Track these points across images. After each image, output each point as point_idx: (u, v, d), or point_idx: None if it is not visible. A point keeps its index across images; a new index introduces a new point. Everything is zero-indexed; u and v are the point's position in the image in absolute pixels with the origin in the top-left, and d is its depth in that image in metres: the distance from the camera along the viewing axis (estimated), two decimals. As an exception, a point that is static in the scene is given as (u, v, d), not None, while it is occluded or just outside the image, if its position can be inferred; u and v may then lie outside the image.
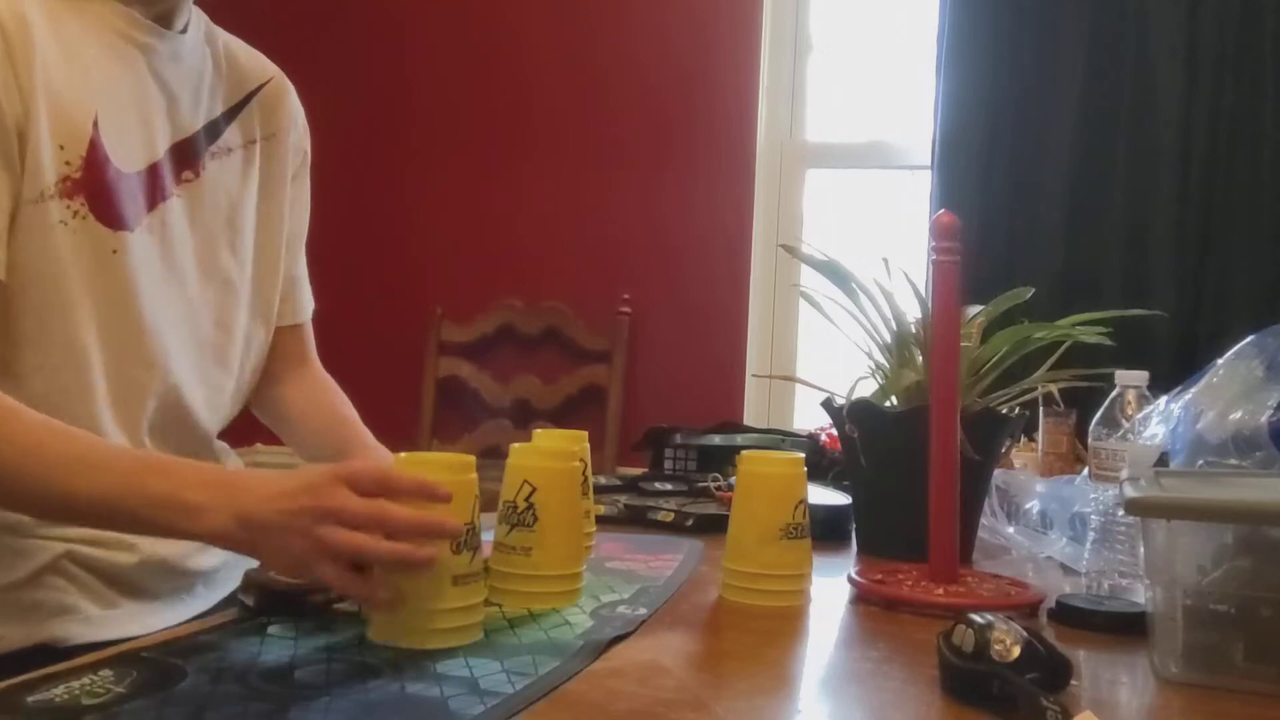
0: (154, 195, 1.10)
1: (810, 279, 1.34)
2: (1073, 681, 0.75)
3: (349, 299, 3.12)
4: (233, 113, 1.21)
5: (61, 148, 1.01)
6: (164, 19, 1.11)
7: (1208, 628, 0.79)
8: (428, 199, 3.05)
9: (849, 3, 2.96)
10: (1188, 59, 2.44)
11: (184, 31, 1.13)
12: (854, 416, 1.24)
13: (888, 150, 2.86)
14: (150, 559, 1.08)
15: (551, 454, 0.97)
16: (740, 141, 2.85)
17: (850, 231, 2.89)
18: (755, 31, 2.85)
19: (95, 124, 1.03)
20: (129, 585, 1.07)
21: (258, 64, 1.25)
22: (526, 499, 0.92)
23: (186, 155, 1.15)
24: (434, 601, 0.79)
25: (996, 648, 0.71)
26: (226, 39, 1.22)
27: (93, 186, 1.03)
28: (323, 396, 1.34)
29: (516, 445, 0.96)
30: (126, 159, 1.07)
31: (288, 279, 1.29)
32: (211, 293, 1.17)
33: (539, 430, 1.15)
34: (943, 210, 1.06)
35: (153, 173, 1.10)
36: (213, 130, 1.18)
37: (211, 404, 1.18)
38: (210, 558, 1.15)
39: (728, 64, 2.86)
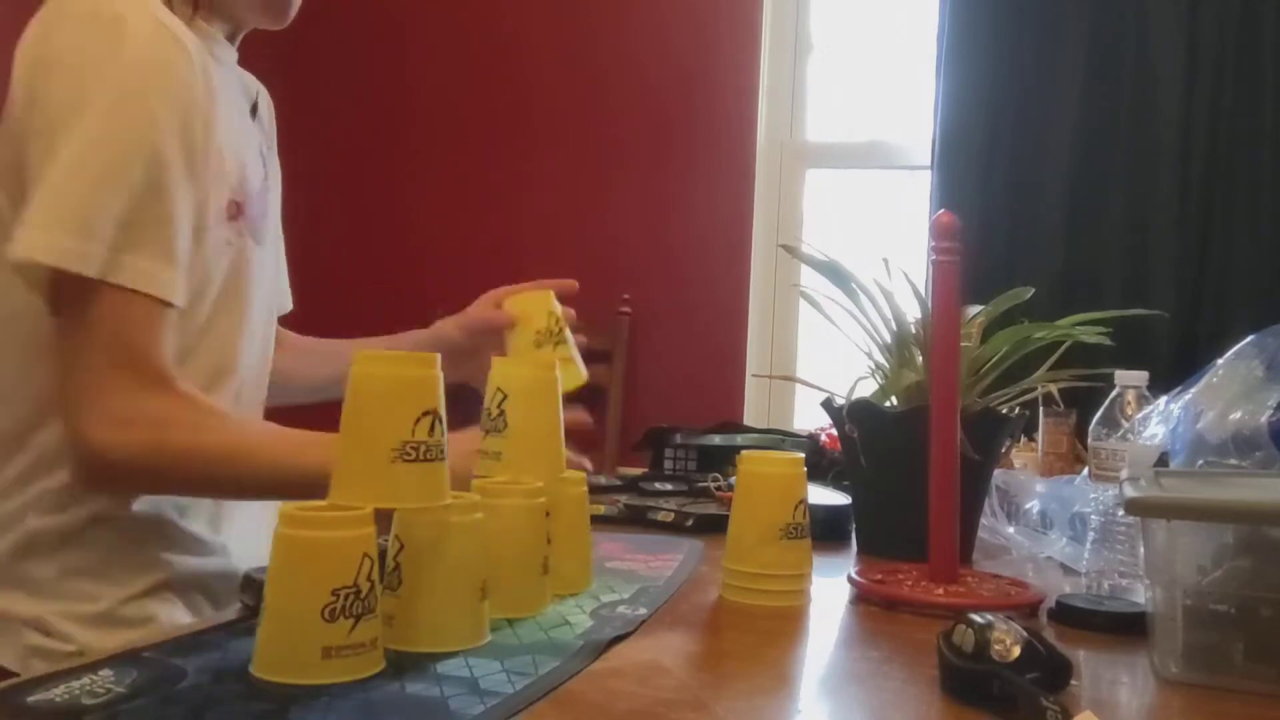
0: (264, 207, 1.19)
1: (810, 279, 1.33)
2: (1073, 681, 0.75)
3: (349, 299, 3.12)
4: (261, 120, 1.28)
5: (229, 171, 1.10)
6: (232, 36, 1.19)
7: (1208, 628, 0.79)
8: (428, 199, 3.05)
9: (849, 3, 2.96)
10: (1188, 59, 2.44)
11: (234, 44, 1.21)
12: (854, 416, 1.24)
13: (888, 150, 2.86)
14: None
15: (522, 363, 1.03)
16: (740, 141, 2.85)
17: (850, 231, 2.89)
18: (755, 31, 2.85)
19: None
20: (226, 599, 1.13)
21: (248, 74, 1.30)
22: (499, 405, 0.95)
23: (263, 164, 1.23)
24: (302, 677, 0.69)
25: (996, 648, 0.71)
26: None
27: (246, 206, 1.13)
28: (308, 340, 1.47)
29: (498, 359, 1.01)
30: (253, 175, 1.16)
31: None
32: (271, 299, 1.28)
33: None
34: (943, 210, 1.06)
35: (265, 184, 1.20)
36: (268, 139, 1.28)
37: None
38: None
39: (728, 64, 2.86)
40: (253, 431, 1.10)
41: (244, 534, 1.18)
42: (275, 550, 0.69)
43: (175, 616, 1.09)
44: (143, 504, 1.08)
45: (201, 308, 1.09)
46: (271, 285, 1.26)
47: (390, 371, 0.77)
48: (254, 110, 1.24)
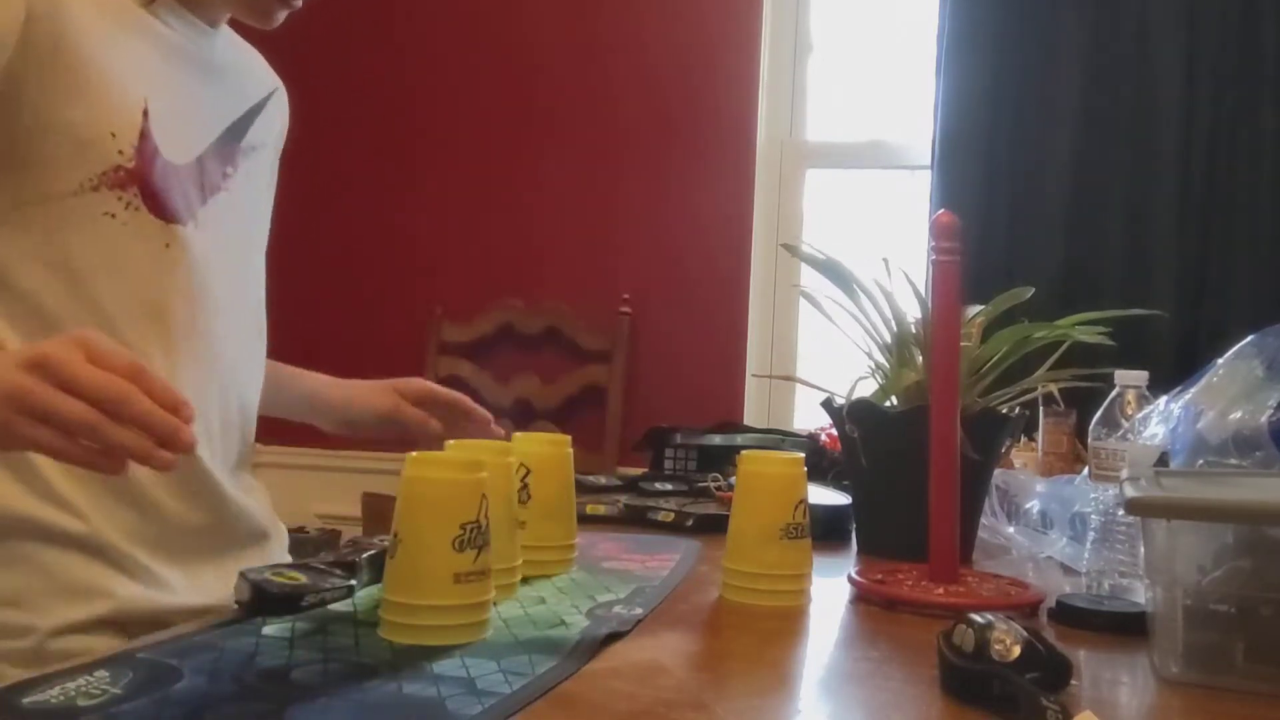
0: (204, 189, 1.10)
1: (810, 279, 1.33)
2: (1073, 681, 0.75)
3: (349, 299, 3.12)
4: (254, 112, 1.22)
5: (114, 135, 0.99)
6: (207, 16, 1.13)
7: (1208, 628, 0.79)
8: (428, 198, 3.05)
9: (849, 3, 2.95)
10: (1188, 59, 2.43)
11: (216, 28, 1.16)
12: (854, 416, 1.24)
13: (888, 150, 2.85)
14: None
15: (541, 441, 1.07)
16: (740, 141, 2.85)
17: (850, 231, 2.89)
18: (755, 31, 2.85)
19: (145, 113, 1.02)
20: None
21: (263, 66, 1.28)
22: (523, 479, 1.03)
23: (227, 150, 1.15)
24: (435, 598, 0.79)
25: (996, 648, 0.71)
26: (235, 38, 1.23)
27: (144, 177, 1.01)
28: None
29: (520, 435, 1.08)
30: (176, 150, 1.06)
31: None
32: (251, 292, 1.20)
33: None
34: (943, 210, 1.06)
35: (201, 165, 1.10)
36: (242, 127, 1.19)
37: (256, 389, 1.22)
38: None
39: (728, 64, 2.86)
40: None
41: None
42: (407, 491, 0.81)
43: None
44: None
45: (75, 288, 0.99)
46: (242, 285, 1.17)
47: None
48: (262, 104, 1.22)
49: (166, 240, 1.04)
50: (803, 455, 1.03)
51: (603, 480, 1.59)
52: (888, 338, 1.25)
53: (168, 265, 1.04)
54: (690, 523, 1.33)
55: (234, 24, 1.21)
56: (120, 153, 1.00)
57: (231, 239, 1.14)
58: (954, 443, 1.03)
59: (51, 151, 0.97)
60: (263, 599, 0.85)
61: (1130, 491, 0.83)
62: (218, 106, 1.15)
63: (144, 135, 1.02)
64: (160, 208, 1.03)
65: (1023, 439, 1.79)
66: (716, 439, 1.85)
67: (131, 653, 0.75)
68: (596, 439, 2.76)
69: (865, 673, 0.82)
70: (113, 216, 1.00)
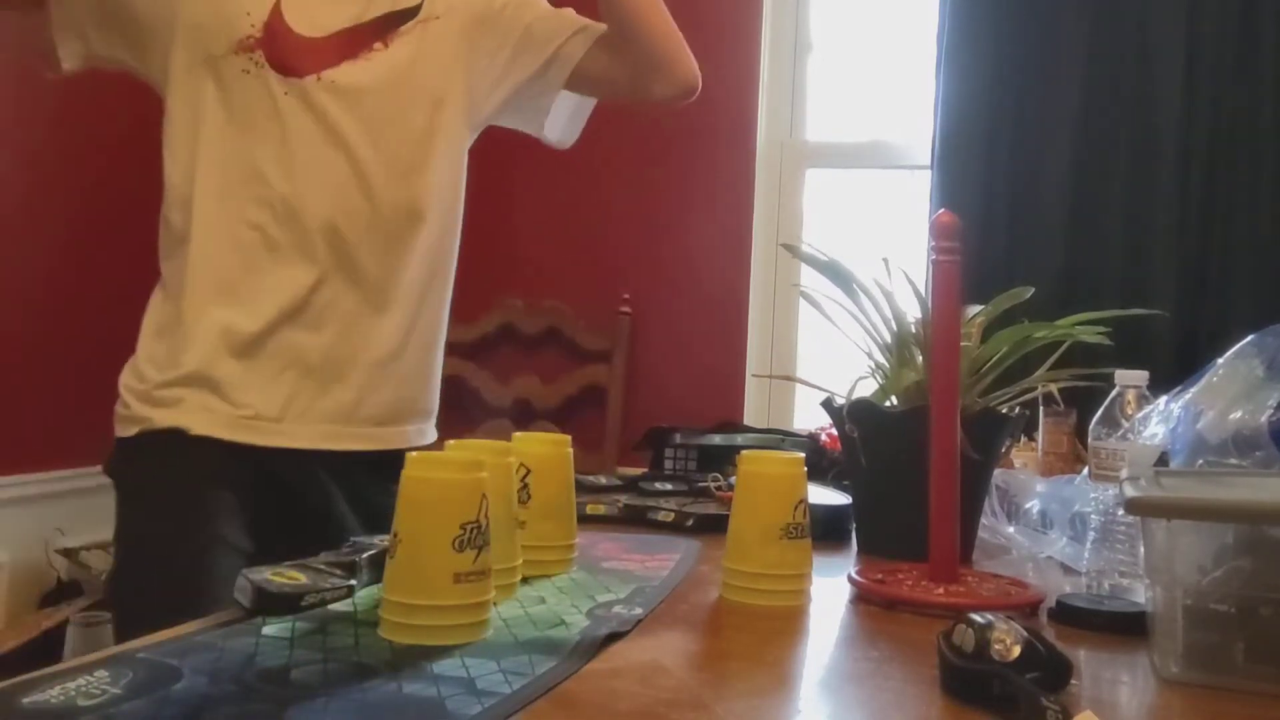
0: (340, 54, 1.37)
1: (810, 279, 1.33)
2: (1073, 681, 0.75)
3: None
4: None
5: (248, 14, 1.35)
6: None
7: (1208, 628, 0.79)
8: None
9: (849, 3, 2.95)
10: (1188, 59, 2.43)
11: None
12: (854, 416, 1.24)
13: (888, 150, 2.85)
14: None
15: (542, 441, 1.07)
16: (740, 141, 2.85)
17: (850, 231, 2.89)
18: (755, 31, 2.85)
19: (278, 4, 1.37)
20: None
21: None
22: (523, 480, 1.04)
23: (380, 28, 1.41)
24: (435, 598, 0.80)
25: (996, 647, 0.71)
26: None
27: (269, 44, 1.35)
28: None
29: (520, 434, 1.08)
30: (309, 27, 1.37)
31: None
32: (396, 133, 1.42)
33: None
34: (943, 210, 1.06)
35: (340, 37, 1.38)
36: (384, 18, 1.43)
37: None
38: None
39: (728, 64, 2.86)
40: None
41: None
42: (407, 491, 0.81)
43: None
44: None
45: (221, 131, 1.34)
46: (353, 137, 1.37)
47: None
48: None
49: (286, 89, 1.35)
50: (803, 455, 1.02)
51: (603, 480, 1.59)
52: (888, 338, 1.25)
53: (288, 109, 1.35)
54: (690, 523, 1.33)
55: None
56: (252, 26, 1.35)
57: (372, 93, 1.39)
58: (954, 443, 1.03)
59: (204, 22, 1.35)
60: (263, 599, 0.85)
61: (1130, 491, 0.83)
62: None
63: (275, 12, 1.36)
64: (282, 67, 1.35)
65: (1023, 439, 1.79)
66: (716, 439, 1.85)
67: (131, 653, 0.75)
68: (596, 439, 2.76)
69: (865, 673, 0.82)
70: (246, 73, 1.34)
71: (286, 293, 1.34)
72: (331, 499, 1.38)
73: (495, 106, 1.55)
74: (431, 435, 1.50)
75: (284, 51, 1.35)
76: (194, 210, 1.33)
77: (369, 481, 1.38)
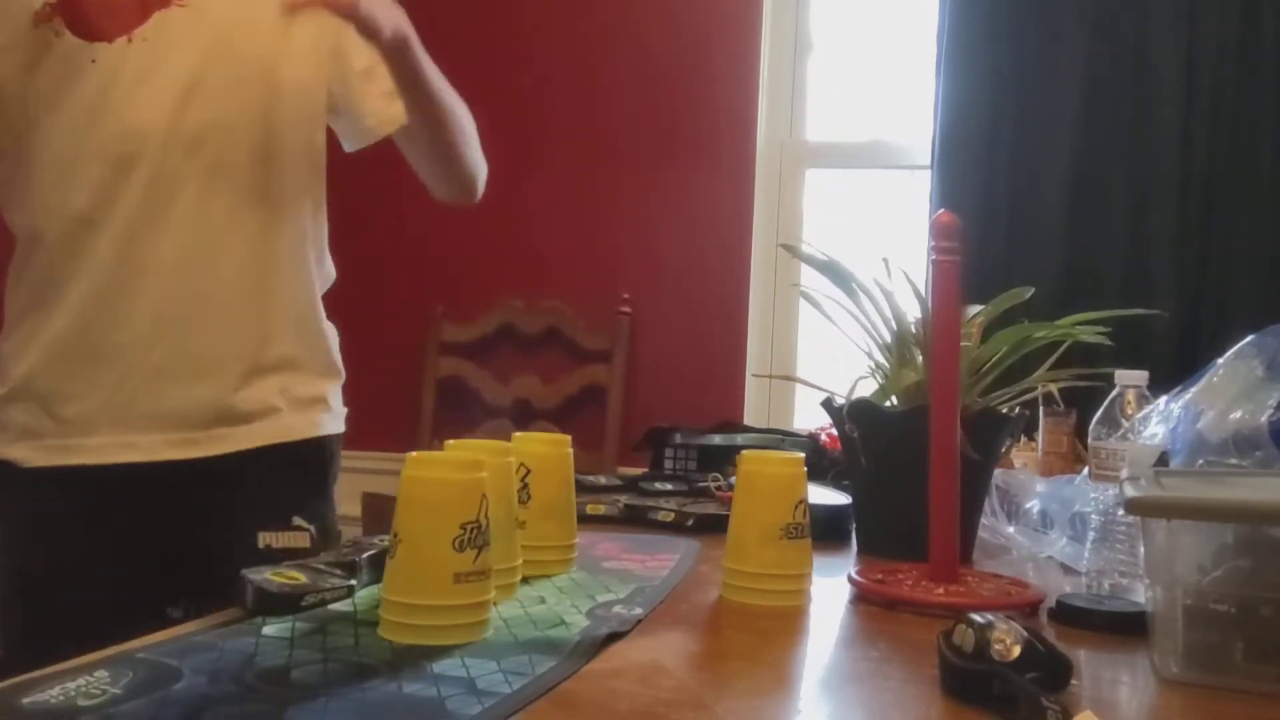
0: (145, 8, 1.23)
1: (810, 279, 1.33)
2: (1073, 681, 0.75)
3: (349, 298, 3.11)
4: None
5: None
6: None
7: (1208, 627, 0.79)
8: (428, 198, 3.04)
9: (849, 3, 2.95)
10: (1188, 58, 2.43)
11: None
12: (854, 416, 1.24)
13: (888, 150, 2.85)
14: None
15: (542, 442, 1.07)
16: (740, 141, 2.85)
17: (850, 231, 2.89)
18: (755, 31, 2.85)
19: None
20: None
21: None
22: (523, 480, 1.03)
23: None
24: (435, 598, 0.80)
25: (996, 647, 0.71)
26: None
27: (67, 8, 1.20)
28: None
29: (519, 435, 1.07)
30: None
31: None
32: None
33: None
34: (943, 210, 1.06)
35: None
36: None
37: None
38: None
39: (728, 64, 2.86)
40: None
41: None
42: (407, 491, 0.81)
43: None
44: None
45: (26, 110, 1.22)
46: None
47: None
48: None
49: (91, 56, 1.21)
50: (803, 455, 1.03)
51: (603, 480, 1.59)
52: (888, 338, 1.25)
53: (91, 77, 1.21)
54: (690, 523, 1.33)
55: None
56: None
57: (190, 53, 1.25)
58: (954, 443, 1.03)
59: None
60: (263, 599, 0.85)
61: (1130, 491, 0.83)
62: None
63: None
64: (82, 29, 1.21)
65: (1023, 439, 1.79)
66: (716, 439, 1.85)
67: (131, 653, 0.75)
68: (596, 439, 2.76)
69: (865, 673, 0.82)
70: (49, 46, 1.20)
71: None
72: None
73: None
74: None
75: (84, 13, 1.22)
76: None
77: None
